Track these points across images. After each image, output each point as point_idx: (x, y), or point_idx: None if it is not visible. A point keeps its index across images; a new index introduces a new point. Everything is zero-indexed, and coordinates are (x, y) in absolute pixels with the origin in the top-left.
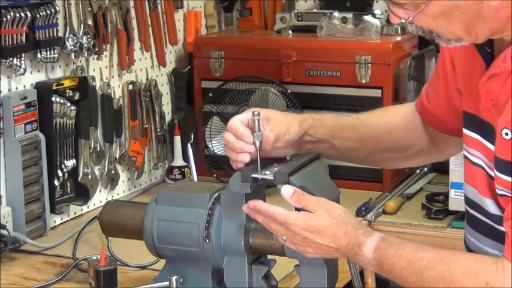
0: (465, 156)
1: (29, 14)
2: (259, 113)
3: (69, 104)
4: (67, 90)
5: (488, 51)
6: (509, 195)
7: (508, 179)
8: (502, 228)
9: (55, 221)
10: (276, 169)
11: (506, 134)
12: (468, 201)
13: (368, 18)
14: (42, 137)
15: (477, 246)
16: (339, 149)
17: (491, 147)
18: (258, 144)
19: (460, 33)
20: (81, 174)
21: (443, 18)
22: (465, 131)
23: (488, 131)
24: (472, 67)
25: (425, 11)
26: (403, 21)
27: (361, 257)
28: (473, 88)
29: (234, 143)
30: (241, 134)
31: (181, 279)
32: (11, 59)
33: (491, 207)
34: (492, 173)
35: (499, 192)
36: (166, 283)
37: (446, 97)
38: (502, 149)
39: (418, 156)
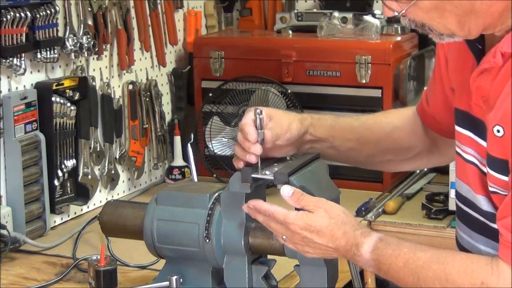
0: (458, 153)
1: (29, 14)
2: (261, 111)
3: (69, 104)
4: (67, 90)
5: (479, 47)
6: (502, 192)
7: (501, 177)
8: (495, 226)
9: (55, 221)
10: (276, 169)
11: (498, 131)
12: (460, 198)
13: (368, 18)
14: (42, 137)
15: (470, 244)
16: (338, 149)
17: (484, 143)
18: (259, 142)
19: (453, 28)
20: (81, 174)
21: (436, 12)
22: (457, 128)
23: (480, 128)
24: (464, 64)
25: (418, 4)
26: (396, 13)
27: (359, 257)
28: (465, 85)
29: (242, 142)
30: (246, 132)
31: (181, 279)
32: (11, 59)
33: (484, 204)
34: (485, 170)
35: (491, 189)
36: (166, 283)
37: (443, 97)
38: (494, 146)
39: (419, 159)
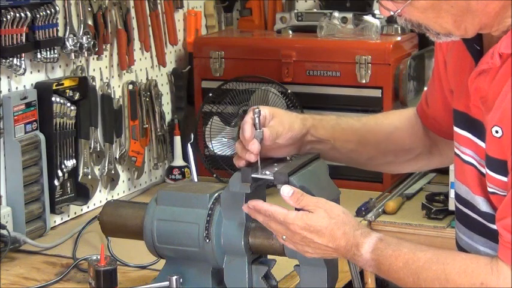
0: (456, 154)
1: (29, 14)
2: (259, 111)
3: (69, 104)
4: (67, 90)
5: (477, 48)
6: (501, 193)
7: (500, 177)
8: (494, 226)
9: (55, 221)
10: (276, 169)
11: (497, 132)
12: (460, 199)
13: (368, 18)
14: (42, 137)
15: (469, 245)
16: (339, 151)
17: (482, 144)
18: (258, 141)
19: (449, 27)
20: (81, 174)
21: (432, 11)
22: (456, 129)
23: (478, 129)
24: (462, 65)
25: (414, 4)
26: (392, 13)
27: (359, 258)
28: (463, 86)
29: (242, 140)
30: (243, 130)
31: (181, 279)
32: (11, 59)
33: (483, 205)
34: (484, 171)
35: (490, 190)
36: (166, 283)
37: (443, 99)
38: (493, 147)
39: (420, 161)
